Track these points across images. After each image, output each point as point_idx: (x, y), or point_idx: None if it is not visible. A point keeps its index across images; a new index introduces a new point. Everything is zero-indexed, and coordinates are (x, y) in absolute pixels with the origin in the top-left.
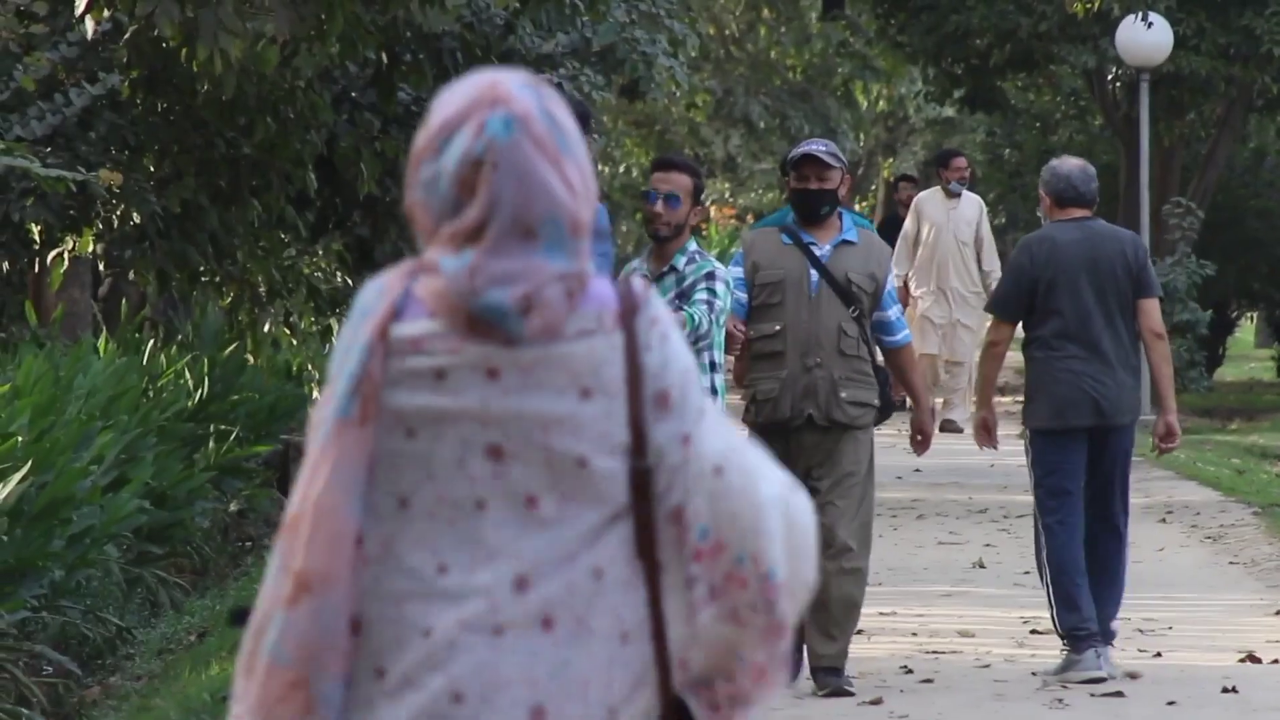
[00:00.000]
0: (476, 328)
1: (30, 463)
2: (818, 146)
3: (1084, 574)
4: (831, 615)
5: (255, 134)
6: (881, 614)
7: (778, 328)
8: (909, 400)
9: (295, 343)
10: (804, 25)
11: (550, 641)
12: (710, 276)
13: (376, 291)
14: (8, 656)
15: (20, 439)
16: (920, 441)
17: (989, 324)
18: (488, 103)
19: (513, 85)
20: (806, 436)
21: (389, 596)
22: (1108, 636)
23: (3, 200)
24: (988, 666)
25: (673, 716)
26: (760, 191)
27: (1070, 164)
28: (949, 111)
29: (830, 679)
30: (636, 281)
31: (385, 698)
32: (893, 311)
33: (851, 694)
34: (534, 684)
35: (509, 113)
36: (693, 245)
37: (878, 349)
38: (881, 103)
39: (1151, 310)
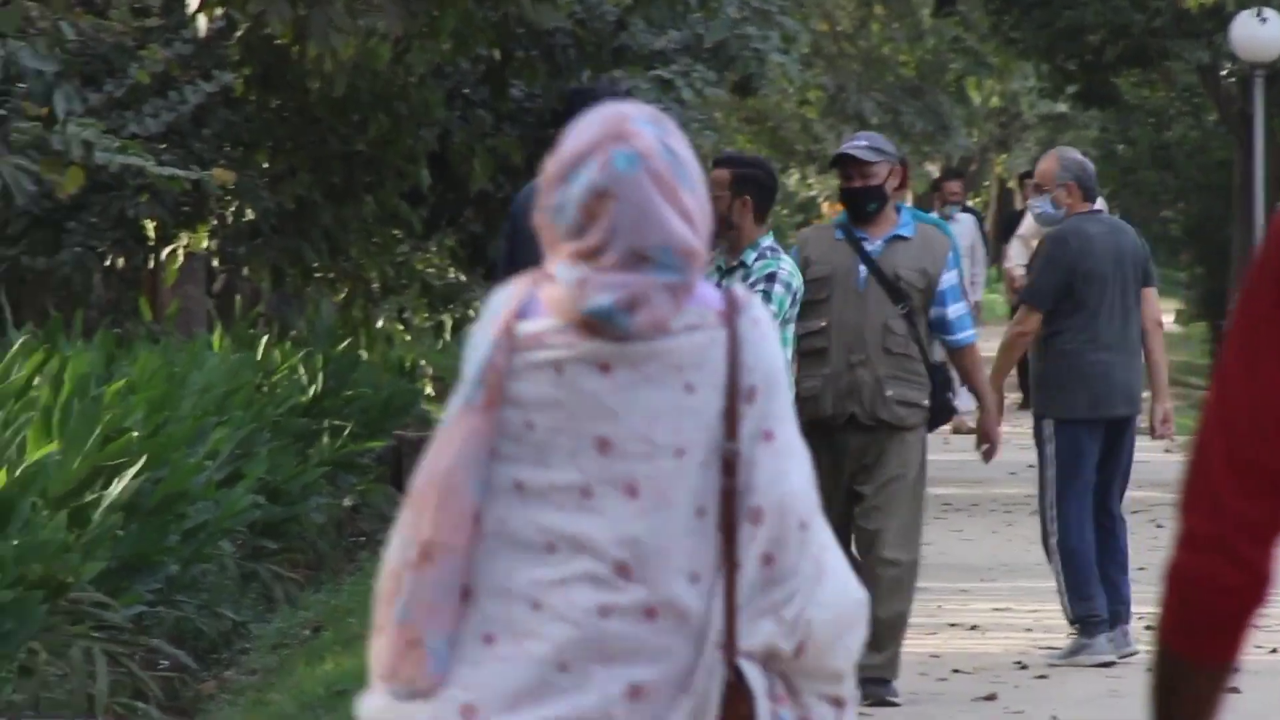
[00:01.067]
0: (590, 327)
1: (145, 458)
2: (856, 144)
3: (1094, 560)
4: (877, 626)
5: (369, 130)
6: (995, 609)
7: (823, 324)
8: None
9: (408, 338)
10: (916, 21)
11: (650, 627)
12: (770, 278)
13: (505, 294)
14: (124, 651)
15: (136, 434)
16: (986, 449)
17: (1018, 313)
18: (613, 138)
19: (637, 121)
20: (850, 437)
21: (500, 570)
22: (1128, 615)
23: (118, 197)
24: (1107, 665)
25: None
26: None
27: (1082, 157)
28: (1062, 107)
29: (876, 689)
30: (740, 287)
31: (495, 661)
32: (952, 309)
33: (896, 703)
34: (634, 662)
35: (632, 149)
36: (766, 241)
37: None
38: (994, 99)
39: (1153, 299)
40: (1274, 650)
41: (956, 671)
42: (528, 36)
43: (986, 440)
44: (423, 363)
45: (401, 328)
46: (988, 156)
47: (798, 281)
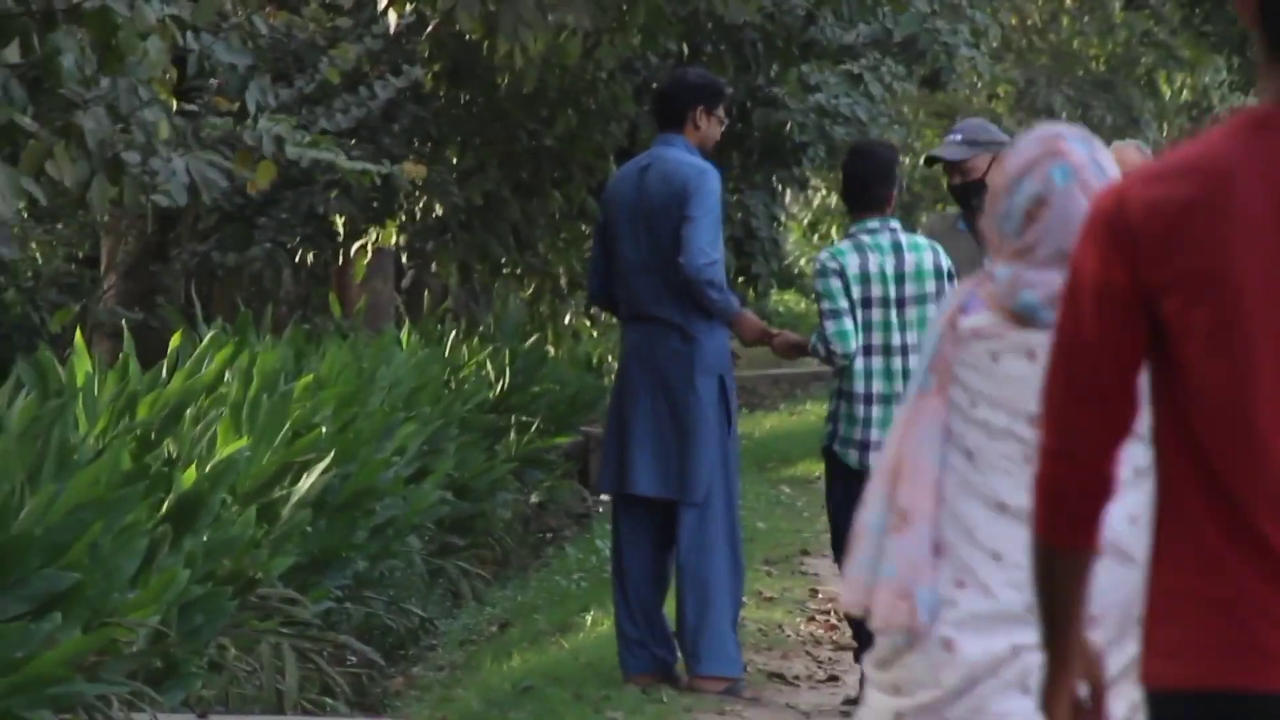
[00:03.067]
0: (1019, 319)
1: (334, 454)
2: (950, 140)
3: None
4: None
5: (557, 126)
6: None
7: None
8: None
9: (595, 334)
10: (1107, 15)
11: (1102, 566)
12: None
13: (952, 292)
14: (313, 647)
15: (324, 430)
16: None
17: None
18: (1050, 154)
19: (1071, 140)
20: None
21: (963, 527)
22: None
23: (308, 193)
24: None
25: None
26: None
27: None
28: (1254, 101)
29: None
30: None
31: (967, 601)
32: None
33: None
34: (1096, 598)
35: (1067, 164)
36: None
37: None
38: (1185, 92)
39: None
40: None
41: None
42: (716, 31)
43: None
44: (609, 358)
45: (589, 323)
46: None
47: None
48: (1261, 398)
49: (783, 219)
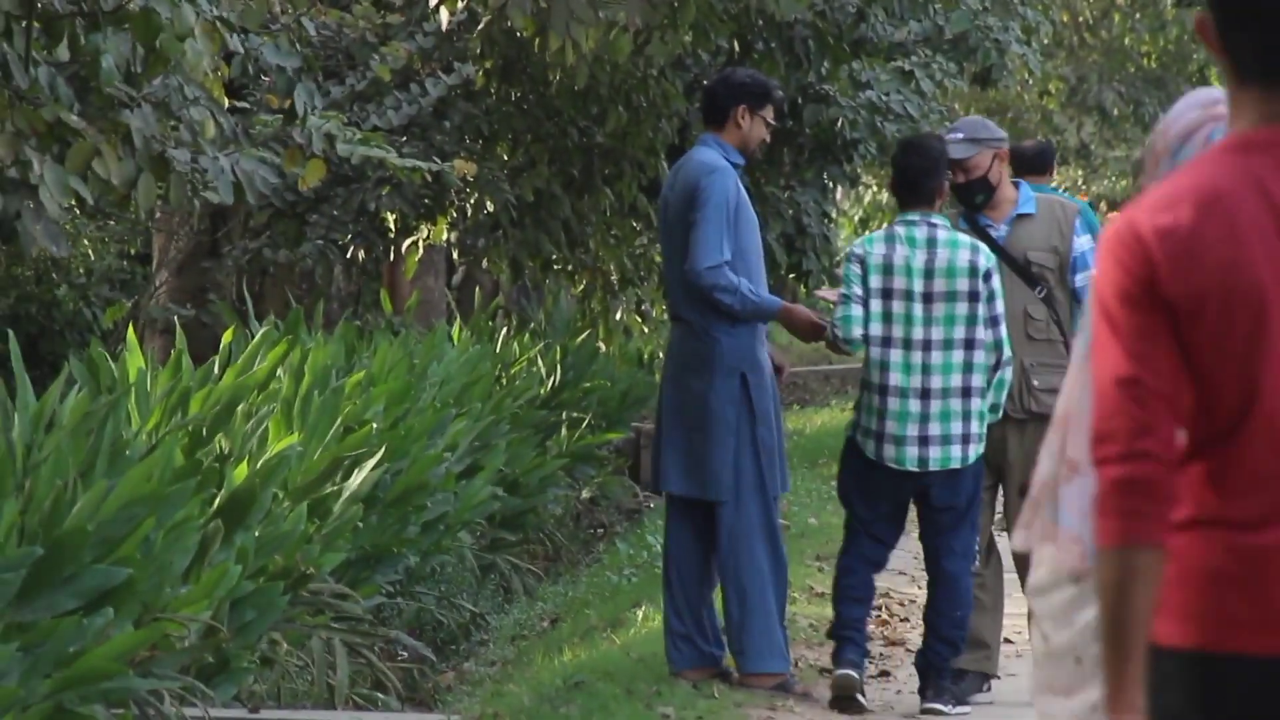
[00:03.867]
0: None
1: (385, 450)
2: (952, 137)
3: None
4: None
5: (608, 123)
6: None
7: None
8: None
9: (646, 330)
10: (1159, 11)
11: None
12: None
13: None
14: (364, 642)
15: (375, 426)
16: None
17: None
18: (1211, 118)
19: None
20: (995, 430)
21: None
22: None
23: (359, 189)
24: None
25: None
26: (1114, 179)
27: None
28: None
29: None
30: None
31: None
32: (1080, 277)
33: None
34: None
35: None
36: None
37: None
38: None
39: None
40: None
41: None
42: (767, 28)
43: None
44: (660, 354)
45: (640, 320)
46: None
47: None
48: (1265, 400)
49: (834, 215)
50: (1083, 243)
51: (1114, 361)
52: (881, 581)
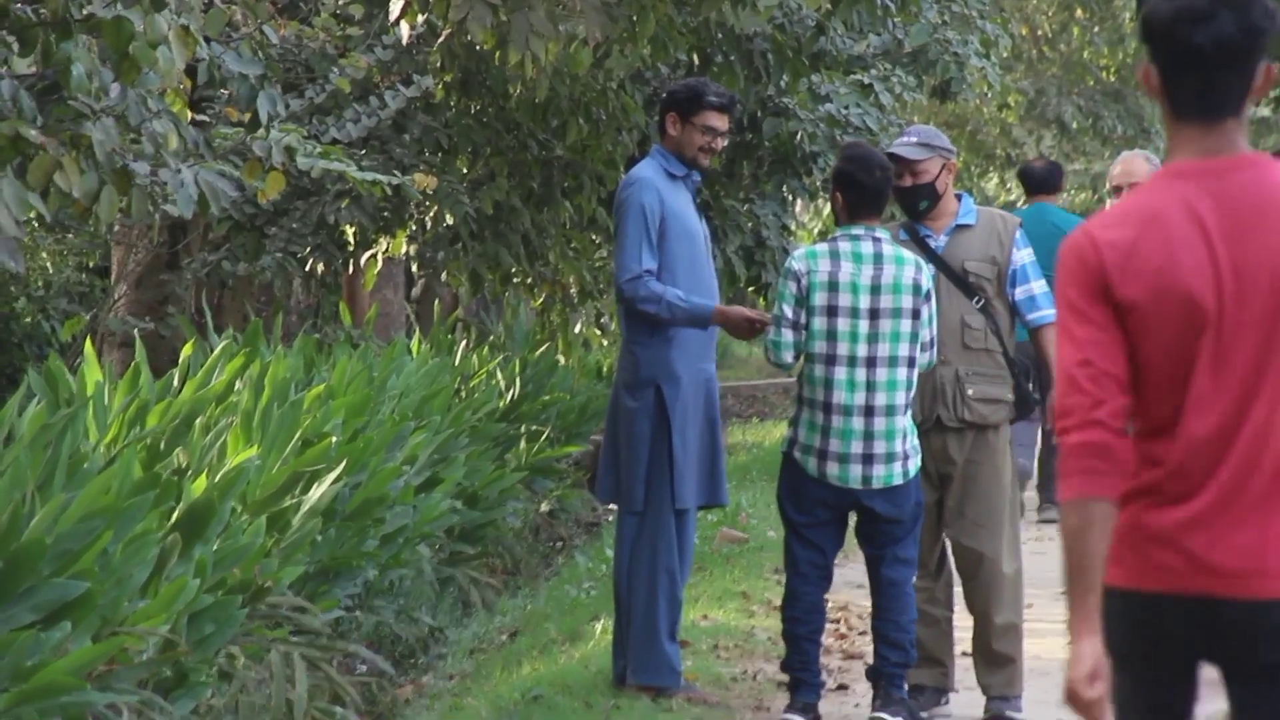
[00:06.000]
0: None
1: (344, 463)
2: (906, 141)
3: None
4: (993, 641)
5: (567, 135)
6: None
7: None
8: None
9: (605, 343)
10: (1117, 25)
11: None
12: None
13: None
14: (323, 655)
15: (334, 439)
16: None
17: None
18: None
19: None
20: (934, 439)
21: None
22: None
23: (318, 202)
24: None
25: None
26: (1073, 191)
27: None
28: (1265, 111)
29: (1000, 705)
30: None
31: None
32: (1020, 290)
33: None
34: None
35: None
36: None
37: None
38: None
39: None
40: None
41: None
42: (727, 41)
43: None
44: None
45: (599, 333)
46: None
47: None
48: (1197, 382)
49: (793, 228)
50: (1023, 255)
51: (1072, 348)
52: (840, 595)
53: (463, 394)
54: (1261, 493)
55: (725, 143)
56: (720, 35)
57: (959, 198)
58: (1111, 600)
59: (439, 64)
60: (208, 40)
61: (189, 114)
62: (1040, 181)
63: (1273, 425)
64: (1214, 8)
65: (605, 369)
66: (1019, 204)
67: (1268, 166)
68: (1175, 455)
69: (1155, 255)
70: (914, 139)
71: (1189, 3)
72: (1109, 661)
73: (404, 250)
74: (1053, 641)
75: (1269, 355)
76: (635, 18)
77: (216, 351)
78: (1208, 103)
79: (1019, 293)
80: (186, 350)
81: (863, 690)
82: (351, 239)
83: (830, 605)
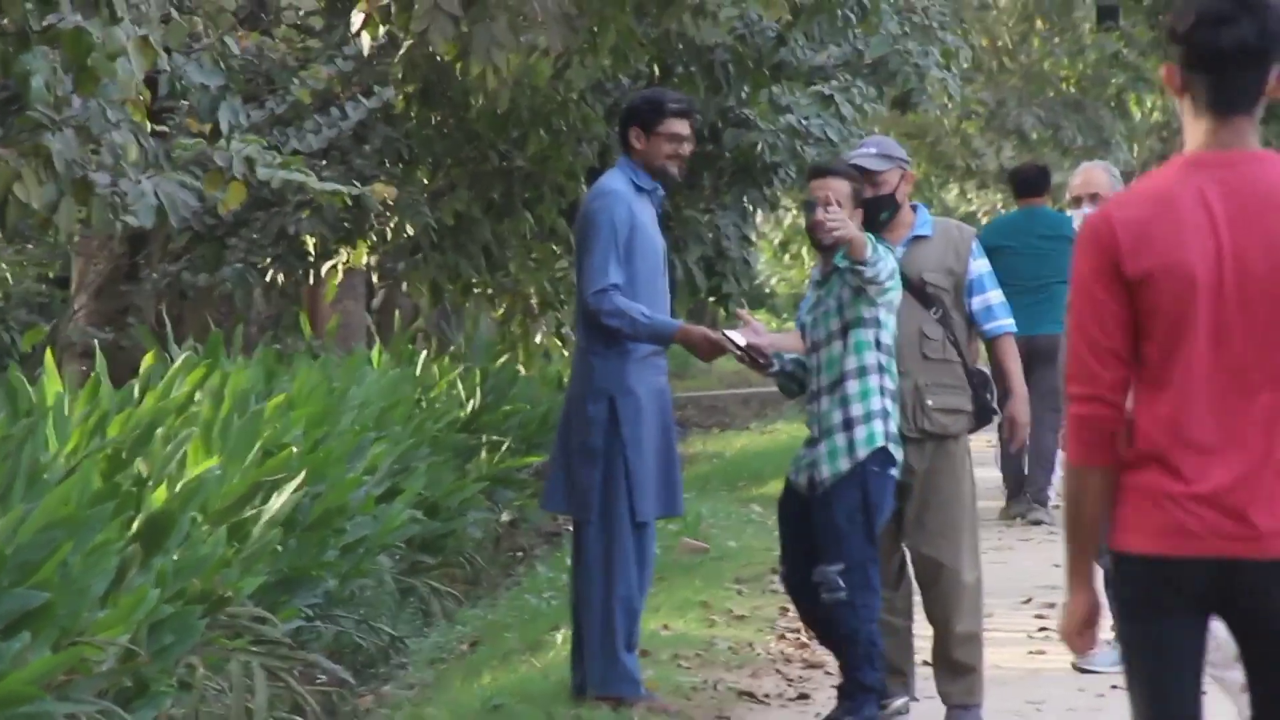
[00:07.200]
0: None
1: (305, 473)
2: (866, 151)
3: None
4: (953, 650)
5: (528, 146)
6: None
7: None
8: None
9: (566, 354)
10: (1077, 37)
11: None
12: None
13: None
14: (283, 665)
15: (295, 450)
16: (1014, 436)
17: None
18: None
19: None
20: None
21: None
22: None
23: (279, 213)
24: None
25: None
26: None
27: None
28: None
29: (960, 714)
30: None
31: None
32: (977, 300)
33: None
34: None
35: None
36: None
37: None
38: (1155, 113)
39: None
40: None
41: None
42: (687, 52)
43: (1013, 427)
44: None
45: (560, 343)
46: (1149, 170)
47: None
48: (1198, 356)
49: (754, 239)
50: (979, 266)
51: (1080, 322)
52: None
53: (423, 404)
54: (1271, 460)
55: (691, 148)
56: (681, 46)
57: (914, 209)
58: (1128, 564)
59: (400, 75)
60: (169, 51)
61: (148, 125)
62: (1030, 184)
63: (1277, 397)
64: (1236, 13)
65: (565, 379)
66: (979, 215)
67: (1275, 162)
68: (1184, 425)
69: (1164, 236)
70: (873, 150)
71: (1213, 7)
72: (1120, 613)
73: (365, 261)
74: (1013, 650)
75: (1269, 333)
76: (596, 29)
77: (177, 362)
78: (1224, 100)
79: (976, 303)
80: (147, 361)
81: (822, 699)
82: (312, 250)
83: (790, 615)
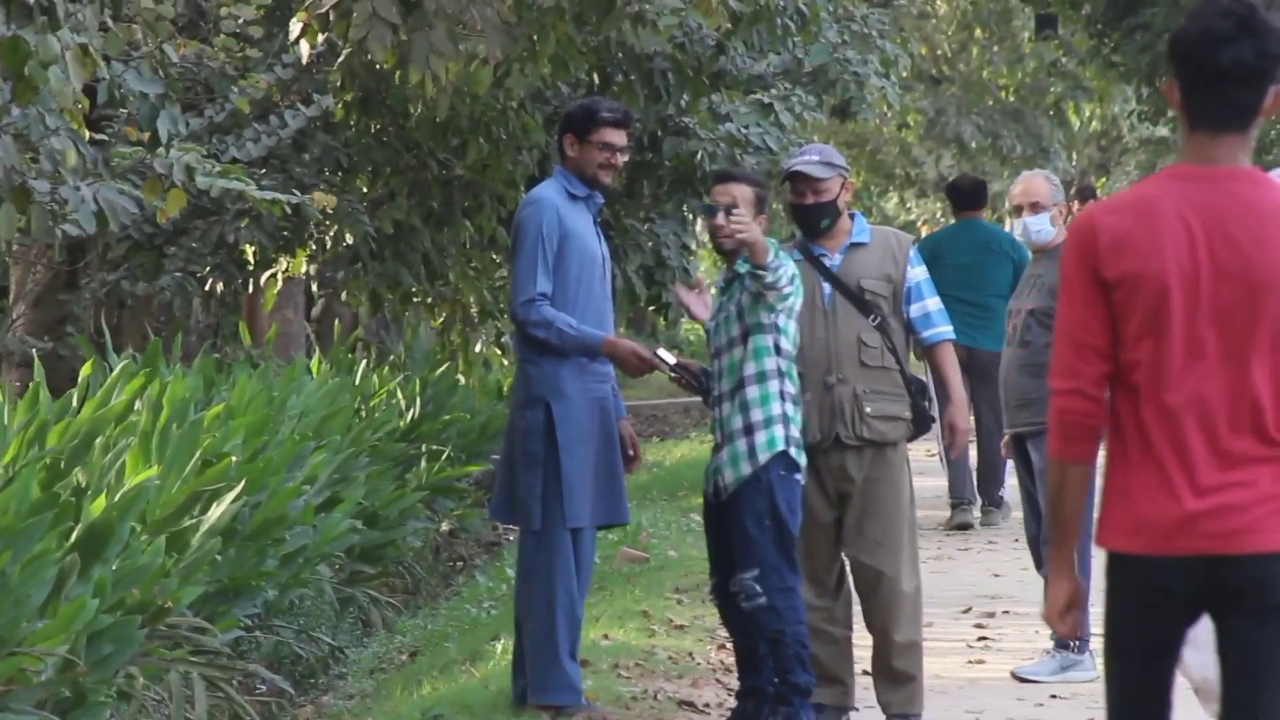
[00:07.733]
0: None
1: (244, 483)
2: (808, 158)
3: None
4: (896, 659)
5: (468, 155)
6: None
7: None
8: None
9: (506, 363)
10: (1016, 45)
11: None
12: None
13: None
14: (222, 675)
15: (234, 459)
16: (952, 445)
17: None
18: None
19: None
20: (834, 458)
21: None
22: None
23: (218, 222)
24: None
25: None
26: None
27: None
28: (1163, 131)
29: None
30: None
31: None
32: (915, 308)
33: None
34: None
35: None
36: None
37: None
38: (1094, 122)
39: None
40: None
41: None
42: (627, 60)
43: (952, 434)
44: None
45: (499, 352)
46: (1088, 179)
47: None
48: (1172, 359)
49: (693, 248)
50: (917, 273)
51: (1065, 318)
52: None
53: (363, 414)
54: (1248, 459)
55: (625, 158)
56: (620, 55)
57: (852, 216)
58: (1114, 564)
59: (339, 83)
60: (108, 59)
61: (87, 133)
62: (967, 196)
63: (1250, 401)
64: (1236, 33)
65: (505, 388)
66: (919, 224)
67: (1260, 181)
68: (1162, 426)
69: (1141, 243)
70: (816, 157)
71: (1214, 27)
72: (1107, 609)
73: (304, 270)
74: (953, 660)
75: (1246, 341)
76: (535, 37)
77: (116, 371)
78: (1217, 116)
79: (914, 310)
80: (85, 370)
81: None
82: (251, 258)
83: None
